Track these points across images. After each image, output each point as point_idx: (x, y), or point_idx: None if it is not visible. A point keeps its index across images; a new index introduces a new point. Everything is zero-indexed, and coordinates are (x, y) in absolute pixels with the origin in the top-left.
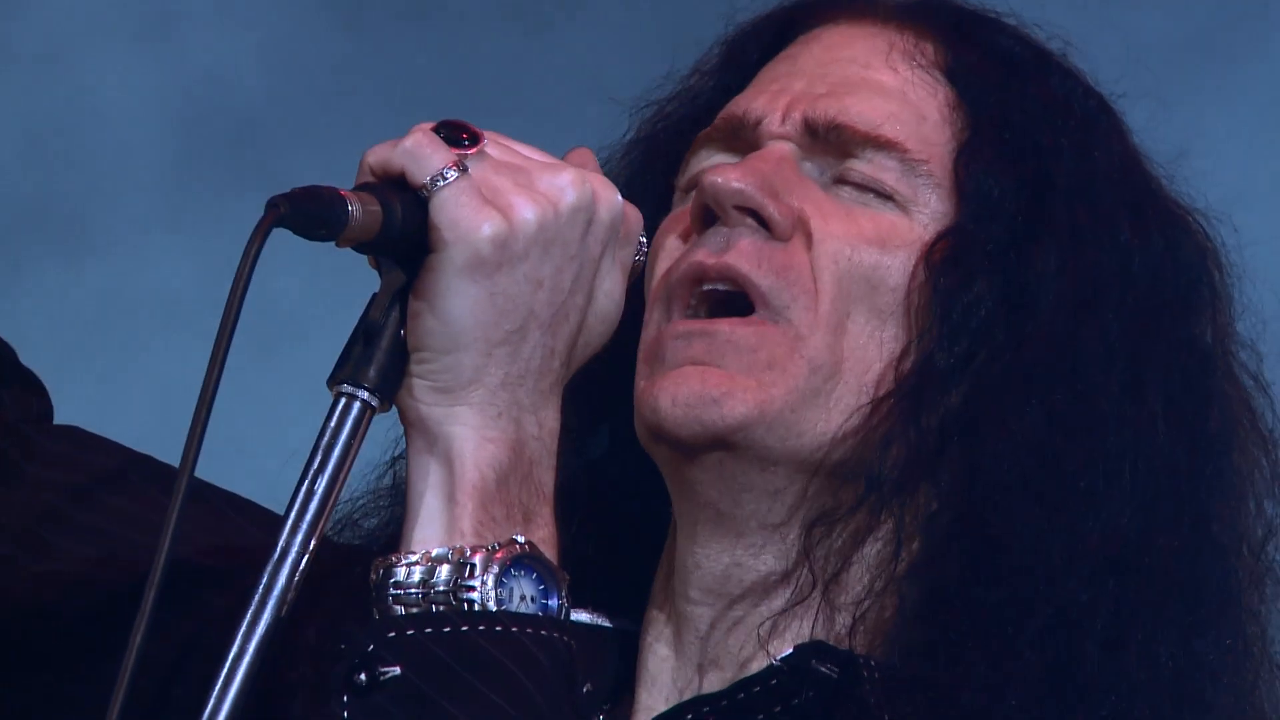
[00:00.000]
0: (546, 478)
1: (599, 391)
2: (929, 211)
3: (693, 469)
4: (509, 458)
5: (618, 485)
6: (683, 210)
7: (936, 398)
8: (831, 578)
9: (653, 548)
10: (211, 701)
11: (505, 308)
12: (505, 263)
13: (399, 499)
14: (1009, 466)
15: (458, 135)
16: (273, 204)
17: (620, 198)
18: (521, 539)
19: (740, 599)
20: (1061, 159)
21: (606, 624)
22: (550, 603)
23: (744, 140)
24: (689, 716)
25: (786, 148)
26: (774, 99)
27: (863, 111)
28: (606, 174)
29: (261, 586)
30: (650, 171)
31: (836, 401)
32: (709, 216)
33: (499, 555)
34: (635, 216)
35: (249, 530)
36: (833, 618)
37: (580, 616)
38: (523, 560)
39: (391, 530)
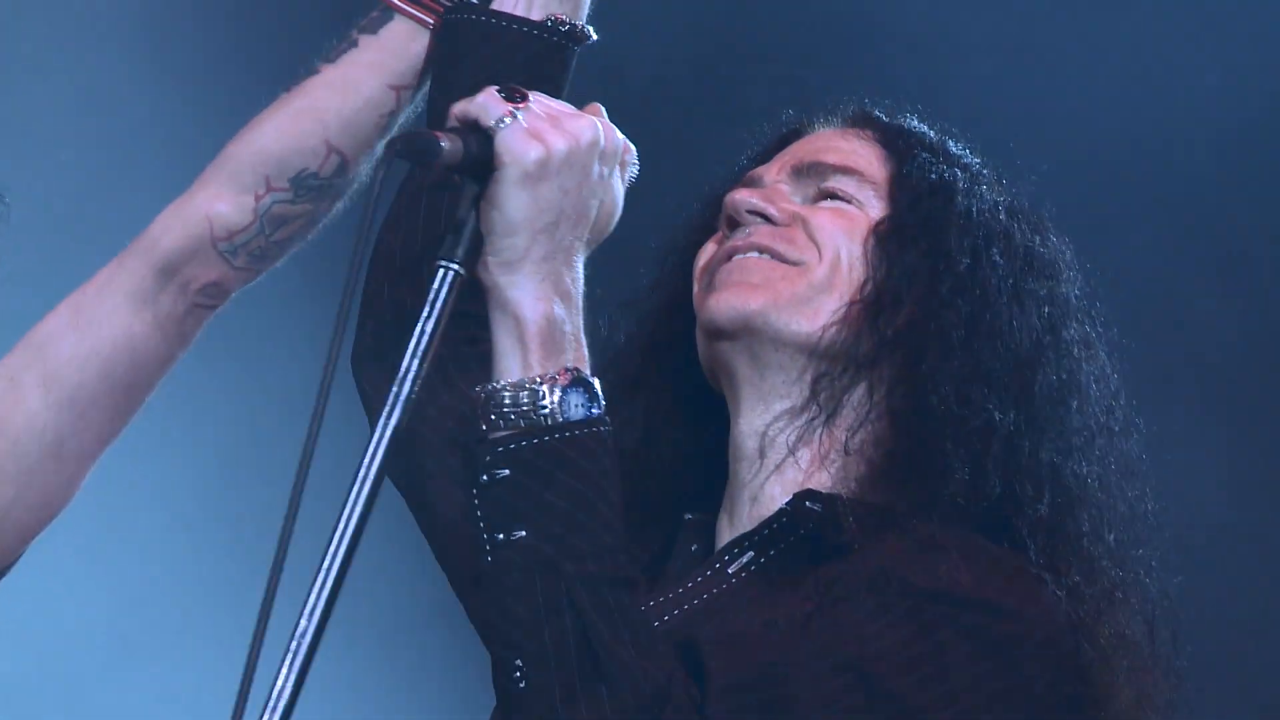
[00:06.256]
0: (578, 318)
1: (672, 368)
2: (874, 210)
3: (732, 351)
4: (555, 309)
5: (687, 424)
6: (718, 235)
7: (889, 313)
8: (831, 413)
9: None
10: (369, 454)
11: (544, 207)
12: (544, 178)
13: None
14: (938, 351)
15: (513, 94)
16: (390, 143)
17: (621, 135)
18: (570, 364)
19: (772, 459)
20: (957, 181)
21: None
22: (593, 409)
23: (752, 187)
24: (735, 550)
25: (781, 185)
26: (771, 165)
27: (832, 154)
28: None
29: (403, 369)
30: (704, 219)
31: (823, 306)
32: (732, 223)
33: (560, 381)
34: (630, 149)
35: None
36: (830, 447)
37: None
38: (575, 381)
39: None
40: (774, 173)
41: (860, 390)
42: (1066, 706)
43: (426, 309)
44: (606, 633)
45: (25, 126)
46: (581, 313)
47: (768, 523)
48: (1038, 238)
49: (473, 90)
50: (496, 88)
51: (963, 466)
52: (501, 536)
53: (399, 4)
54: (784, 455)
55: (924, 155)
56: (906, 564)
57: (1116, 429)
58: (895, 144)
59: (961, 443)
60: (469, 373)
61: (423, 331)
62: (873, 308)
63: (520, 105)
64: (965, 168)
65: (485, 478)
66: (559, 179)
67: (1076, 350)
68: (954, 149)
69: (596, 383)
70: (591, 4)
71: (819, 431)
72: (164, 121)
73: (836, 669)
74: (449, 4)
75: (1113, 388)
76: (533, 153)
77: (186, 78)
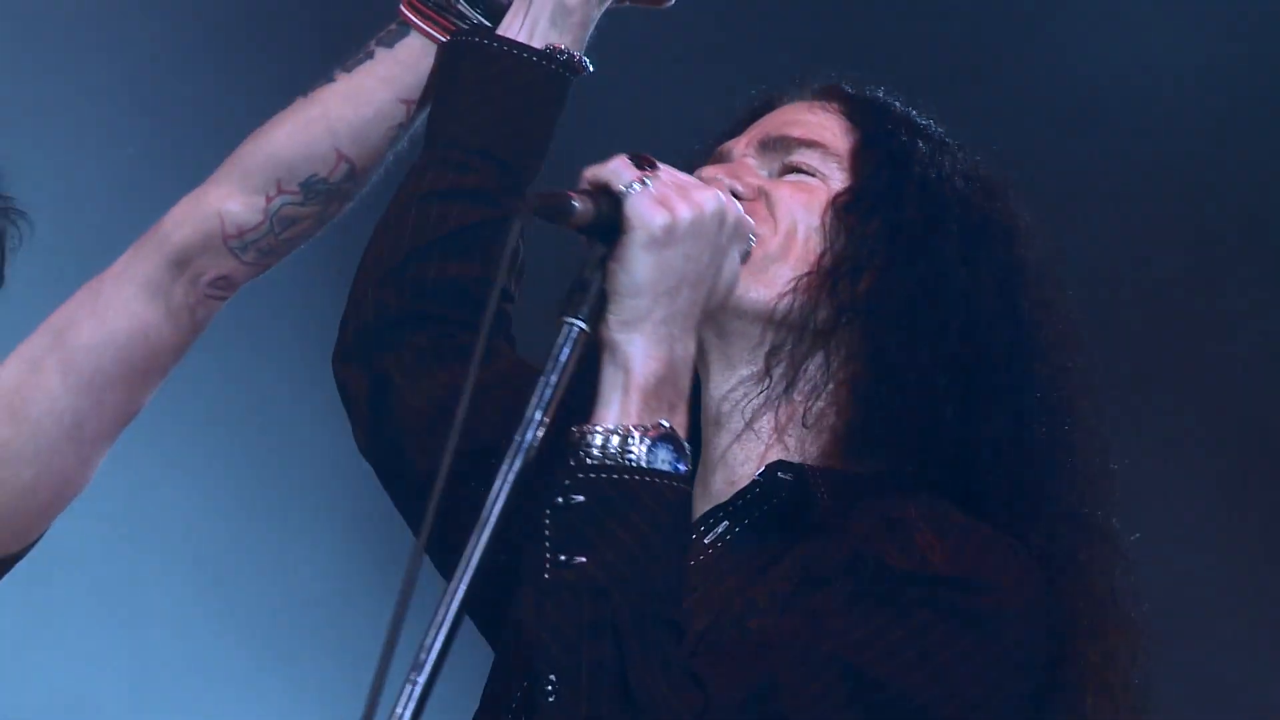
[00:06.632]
0: (685, 384)
1: None
2: (837, 182)
3: (701, 323)
4: (664, 369)
5: None
6: None
7: (844, 282)
8: (790, 382)
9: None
10: (493, 496)
11: (667, 271)
12: (669, 244)
13: None
14: (892, 320)
15: (642, 162)
16: (528, 201)
17: (741, 209)
18: (666, 423)
19: (736, 425)
20: (917, 152)
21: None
22: (679, 465)
23: (722, 162)
24: (710, 520)
25: (748, 159)
26: (740, 139)
27: (797, 128)
28: None
29: (527, 417)
30: None
31: (778, 275)
32: None
33: (651, 433)
34: (748, 222)
35: None
36: (789, 415)
37: None
38: (666, 437)
39: None
40: (742, 146)
41: (817, 360)
42: (1045, 668)
43: (550, 363)
44: (642, 664)
45: (46, 146)
46: (690, 379)
47: (741, 493)
48: (997, 205)
49: (471, 108)
50: (628, 155)
51: (916, 433)
52: (564, 558)
53: (415, 21)
54: (746, 422)
55: (888, 127)
56: (879, 544)
57: (1075, 391)
58: (860, 116)
59: (915, 410)
60: (444, 362)
61: (546, 383)
62: (829, 278)
63: (649, 173)
64: (929, 138)
65: (561, 500)
66: (684, 245)
67: (1034, 314)
68: (920, 120)
69: (688, 447)
70: (591, 37)
71: (778, 400)
72: (183, 136)
73: (822, 666)
74: (463, 25)
75: (1071, 351)
76: (659, 218)
77: (201, 92)
